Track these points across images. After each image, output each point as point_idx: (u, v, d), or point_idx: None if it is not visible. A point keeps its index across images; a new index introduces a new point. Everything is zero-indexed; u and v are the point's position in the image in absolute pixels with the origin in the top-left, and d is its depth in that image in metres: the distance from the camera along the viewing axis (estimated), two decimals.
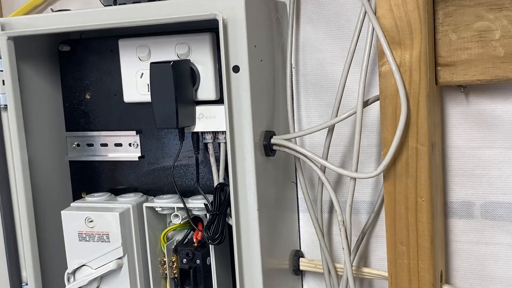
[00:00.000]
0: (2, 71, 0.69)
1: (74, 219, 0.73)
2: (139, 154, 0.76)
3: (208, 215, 0.68)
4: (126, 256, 0.72)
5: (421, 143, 0.60)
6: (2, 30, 0.68)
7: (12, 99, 0.70)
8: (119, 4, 0.69)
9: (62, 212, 0.73)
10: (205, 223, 0.71)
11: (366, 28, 0.62)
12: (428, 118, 0.60)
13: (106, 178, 0.79)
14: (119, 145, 0.77)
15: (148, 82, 0.67)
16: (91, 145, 0.78)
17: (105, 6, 0.70)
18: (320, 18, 0.72)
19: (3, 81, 0.70)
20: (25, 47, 0.72)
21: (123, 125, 0.76)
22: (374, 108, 0.69)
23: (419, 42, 0.59)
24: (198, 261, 0.70)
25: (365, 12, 0.61)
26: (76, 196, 0.80)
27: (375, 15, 0.60)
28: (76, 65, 0.77)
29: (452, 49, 0.61)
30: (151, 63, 0.66)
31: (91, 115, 0.78)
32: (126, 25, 0.64)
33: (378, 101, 0.62)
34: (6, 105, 0.70)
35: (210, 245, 0.69)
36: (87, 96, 0.77)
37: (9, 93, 0.69)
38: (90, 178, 0.80)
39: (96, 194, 0.76)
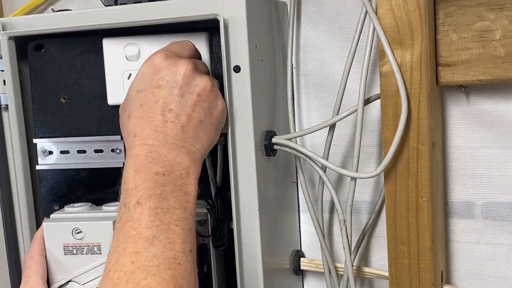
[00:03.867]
0: (3, 71, 0.69)
1: (59, 231, 0.66)
2: (122, 161, 0.69)
3: (212, 220, 0.66)
4: None
5: (422, 143, 0.60)
6: (3, 30, 0.68)
7: (13, 99, 0.70)
8: (119, 4, 0.69)
9: (44, 224, 0.66)
10: (201, 229, 0.69)
11: (367, 28, 0.62)
12: (429, 118, 0.60)
13: (83, 187, 0.72)
14: (100, 151, 0.70)
15: None
16: (66, 152, 0.71)
17: (105, 6, 0.70)
18: (321, 18, 0.72)
19: (4, 81, 0.70)
20: (26, 47, 0.72)
21: (104, 130, 0.70)
22: (375, 108, 0.69)
23: (420, 42, 0.59)
24: (205, 269, 0.67)
25: (366, 12, 0.61)
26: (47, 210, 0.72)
27: (376, 15, 0.60)
28: (49, 66, 0.70)
29: (453, 49, 0.62)
30: None
31: (67, 119, 0.71)
32: (127, 25, 0.64)
33: (379, 99, 0.62)
34: (7, 105, 0.70)
35: (210, 251, 0.68)
36: (62, 100, 0.70)
37: (10, 93, 0.69)
38: (64, 189, 0.72)
39: (76, 204, 0.69)
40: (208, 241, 0.69)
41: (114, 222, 0.64)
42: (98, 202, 0.70)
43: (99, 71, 0.68)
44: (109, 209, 0.68)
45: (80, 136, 0.70)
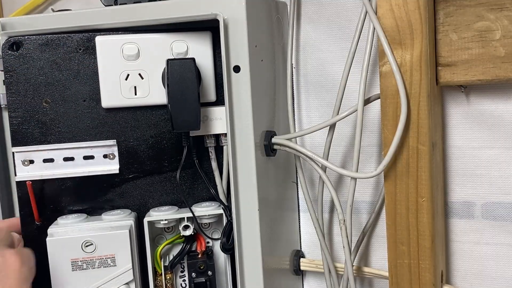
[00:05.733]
0: (2, 70, 0.69)
1: (65, 245, 0.62)
2: (117, 167, 0.66)
3: (225, 222, 0.65)
4: (134, 280, 0.64)
5: (422, 143, 0.60)
6: (2, 30, 0.68)
7: None
8: (119, 4, 0.69)
9: (47, 239, 0.62)
10: (206, 233, 0.68)
11: (367, 28, 0.62)
12: (428, 118, 0.60)
13: (70, 198, 0.67)
14: (90, 157, 0.66)
15: (136, 84, 0.64)
16: (50, 160, 0.66)
17: (105, 6, 0.70)
18: (320, 18, 0.72)
19: (4, 81, 0.70)
20: None
21: (96, 135, 0.66)
22: (375, 108, 0.69)
23: (420, 42, 0.59)
24: (210, 273, 0.66)
25: (366, 12, 0.61)
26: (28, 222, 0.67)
27: (376, 15, 0.60)
28: (28, 66, 0.65)
29: (453, 49, 0.61)
30: (169, 60, 0.61)
31: (51, 125, 0.66)
32: (126, 25, 0.64)
33: (379, 99, 0.62)
34: (7, 104, 0.70)
35: (219, 255, 0.68)
36: (44, 104, 0.65)
37: (5, 93, 0.69)
38: (48, 200, 0.67)
39: (70, 216, 0.65)
40: (213, 245, 0.69)
41: (129, 231, 0.63)
42: (89, 212, 0.67)
43: (89, 72, 0.65)
44: (112, 218, 0.65)
45: (67, 142, 0.66)
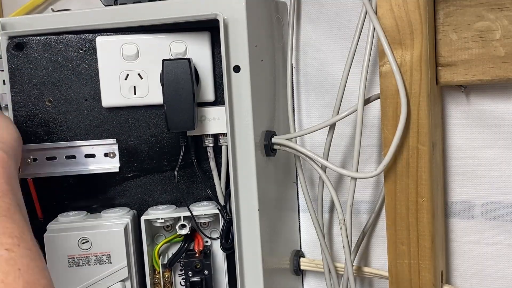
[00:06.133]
0: (2, 71, 0.69)
1: (62, 242, 0.63)
2: (117, 165, 0.67)
3: (222, 221, 0.65)
4: (129, 278, 0.65)
5: (422, 143, 0.60)
6: (2, 30, 0.68)
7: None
8: (119, 4, 0.69)
9: (45, 236, 0.63)
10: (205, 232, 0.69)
11: (367, 28, 0.62)
12: (428, 118, 0.60)
13: (72, 195, 0.68)
14: (91, 156, 0.67)
15: (135, 84, 0.65)
16: (53, 158, 0.67)
17: (105, 6, 0.70)
18: (320, 18, 0.72)
19: (4, 81, 0.70)
20: None
21: (97, 134, 0.67)
22: (375, 108, 0.69)
23: (420, 42, 0.59)
24: (206, 272, 0.66)
25: (366, 12, 0.61)
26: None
27: (376, 15, 0.60)
28: (31, 67, 0.66)
29: (453, 49, 0.61)
30: (165, 60, 0.62)
31: (54, 123, 0.67)
32: (126, 25, 0.64)
33: (379, 99, 0.62)
34: (7, 105, 0.70)
35: (213, 254, 0.68)
36: (47, 103, 0.66)
37: (9, 93, 0.69)
38: (50, 197, 0.67)
39: (71, 213, 0.66)
40: (211, 243, 0.69)
41: (124, 229, 0.64)
42: (89, 210, 0.68)
43: (90, 72, 0.66)
44: (110, 215, 0.65)
45: (69, 140, 0.67)
